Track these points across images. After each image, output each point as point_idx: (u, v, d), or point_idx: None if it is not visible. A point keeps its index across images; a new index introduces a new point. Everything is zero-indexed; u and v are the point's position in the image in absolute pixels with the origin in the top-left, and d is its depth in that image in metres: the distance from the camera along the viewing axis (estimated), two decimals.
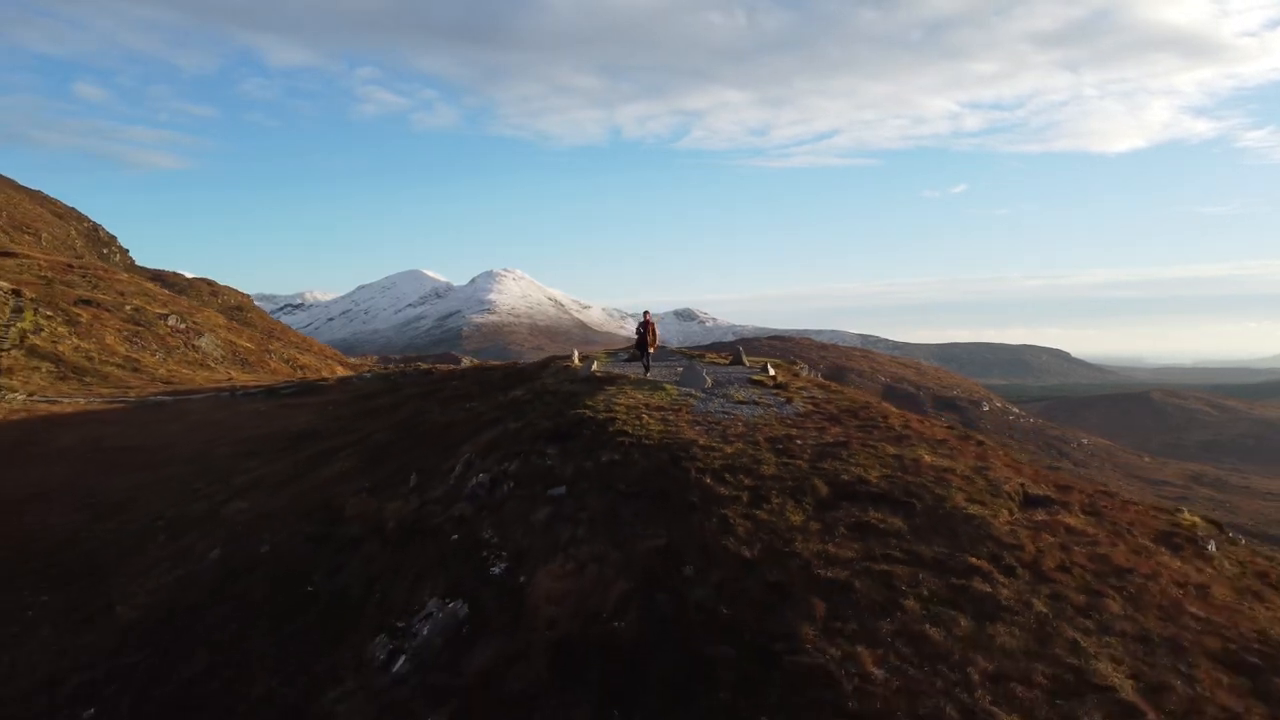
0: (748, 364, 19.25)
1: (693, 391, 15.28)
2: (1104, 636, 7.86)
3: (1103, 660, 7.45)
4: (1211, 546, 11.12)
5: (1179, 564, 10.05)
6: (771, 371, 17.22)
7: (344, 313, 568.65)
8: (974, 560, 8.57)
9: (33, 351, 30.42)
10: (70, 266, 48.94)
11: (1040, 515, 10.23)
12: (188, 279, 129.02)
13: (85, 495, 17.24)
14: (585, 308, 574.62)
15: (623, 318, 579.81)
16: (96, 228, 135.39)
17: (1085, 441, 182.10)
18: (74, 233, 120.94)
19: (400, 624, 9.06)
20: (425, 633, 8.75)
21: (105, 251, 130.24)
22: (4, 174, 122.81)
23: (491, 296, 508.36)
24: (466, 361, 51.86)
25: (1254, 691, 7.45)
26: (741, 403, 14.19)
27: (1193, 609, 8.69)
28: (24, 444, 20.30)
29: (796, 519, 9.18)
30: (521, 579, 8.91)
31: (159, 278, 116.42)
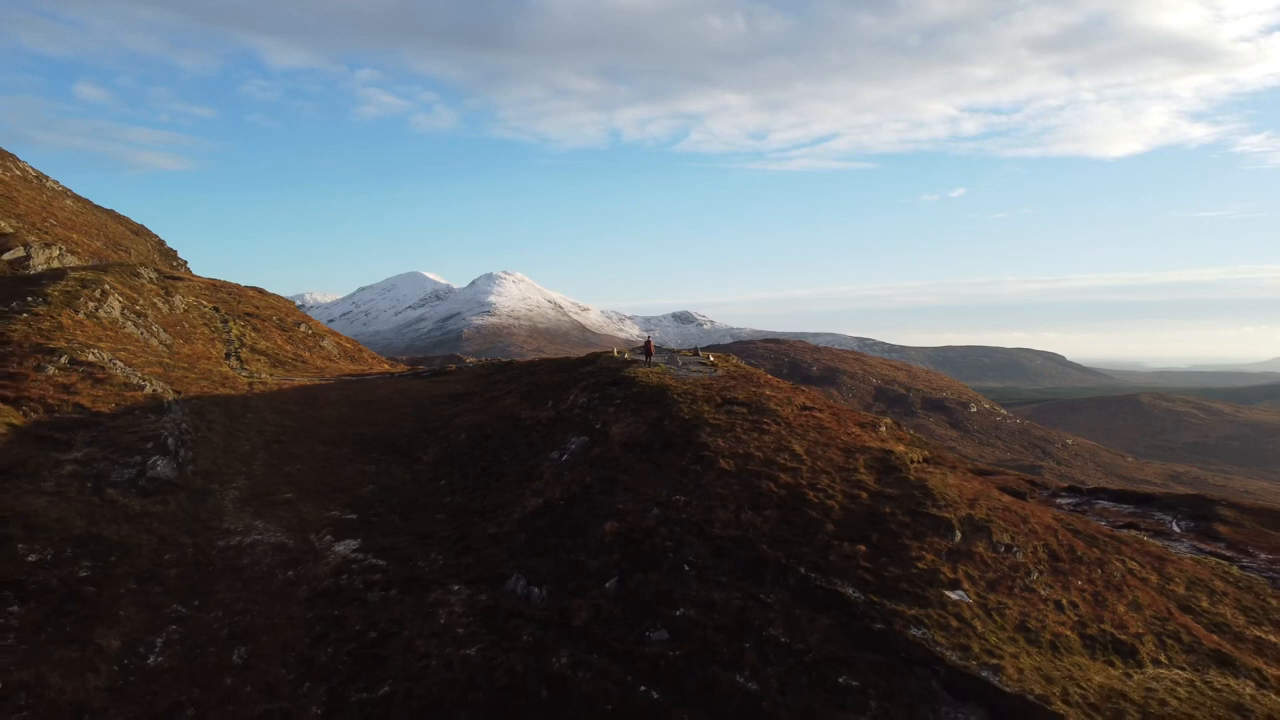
0: (701, 355, 35.49)
1: (672, 368, 31.41)
2: (802, 441, 23.64)
3: (795, 444, 23.27)
4: (882, 429, 26.89)
5: (857, 430, 25.86)
6: (712, 359, 33.74)
7: (344, 314, 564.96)
8: (767, 420, 24.47)
9: (251, 349, 46.13)
10: (217, 286, 64.84)
11: (805, 412, 26.09)
12: (240, 286, 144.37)
13: (365, 422, 32.90)
14: (584, 310, 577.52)
15: (621, 320, 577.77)
16: (162, 242, 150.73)
17: (1070, 442, 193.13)
18: (149, 248, 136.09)
19: (561, 445, 24.94)
20: (572, 447, 24.60)
21: (174, 264, 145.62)
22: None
23: (491, 299, 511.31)
24: (470, 361, 67.07)
25: (846, 456, 23.21)
26: (694, 371, 30.45)
27: (844, 438, 24.48)
28: (309, 400, 35.90)
29: (706, 409, 25.08)
30: (608, 429, 24.82)
31: (217, 286, 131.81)
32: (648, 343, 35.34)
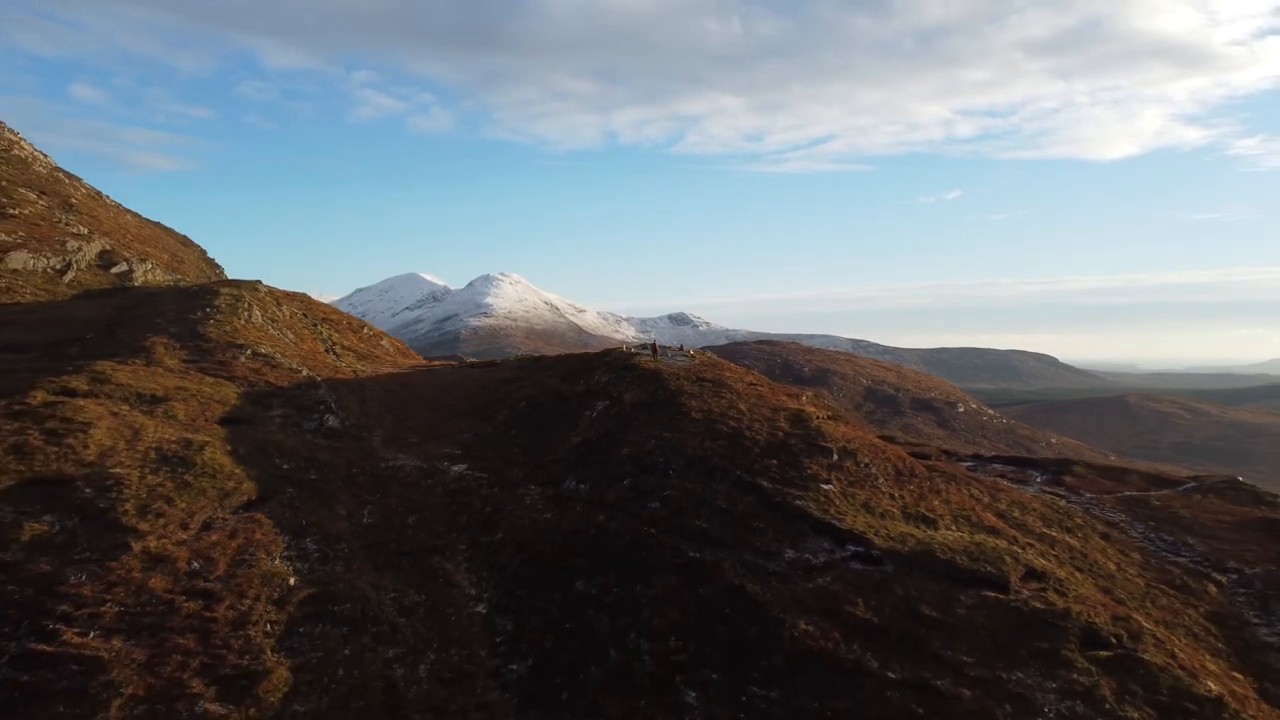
0: (685, 351, 49.09)
1: (664, 359, 44.92)
2: (746, 403, 36.91)
3: (740, 405, 36.58)
4: (804, 398, 40.15)
5: (785, 398, 39.19)
6: (692, 353, 47.35)
7: None
8: (724, 390, 38.02)
9: (340, 346, 59.35)
10: (291, 297, 78.14)
11: (751, 386, 39.50)
12: (307, 296, 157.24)
13: (449, 397, 46.03)
14: (580, 311, 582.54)
15: (617, 321, 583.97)
16: (204, 252, 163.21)
17: (1054, 441, 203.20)
18: (197, 257, 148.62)
19: (591, 407, 38.27)
20: (599, 408, 37.94)
21: (216, 271, 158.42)
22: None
23: (489, 300, 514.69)
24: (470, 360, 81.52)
25: (773, 412, 36.48)
26: (680, 361, 44.06)
27: (774, 402, 37.77)
28: (402, 384, 49.01)
29: (686, 383, 38.55)
30: (622, 396, 38.23)
31: (291, 296, 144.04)
32: (654, 343, 48.97)
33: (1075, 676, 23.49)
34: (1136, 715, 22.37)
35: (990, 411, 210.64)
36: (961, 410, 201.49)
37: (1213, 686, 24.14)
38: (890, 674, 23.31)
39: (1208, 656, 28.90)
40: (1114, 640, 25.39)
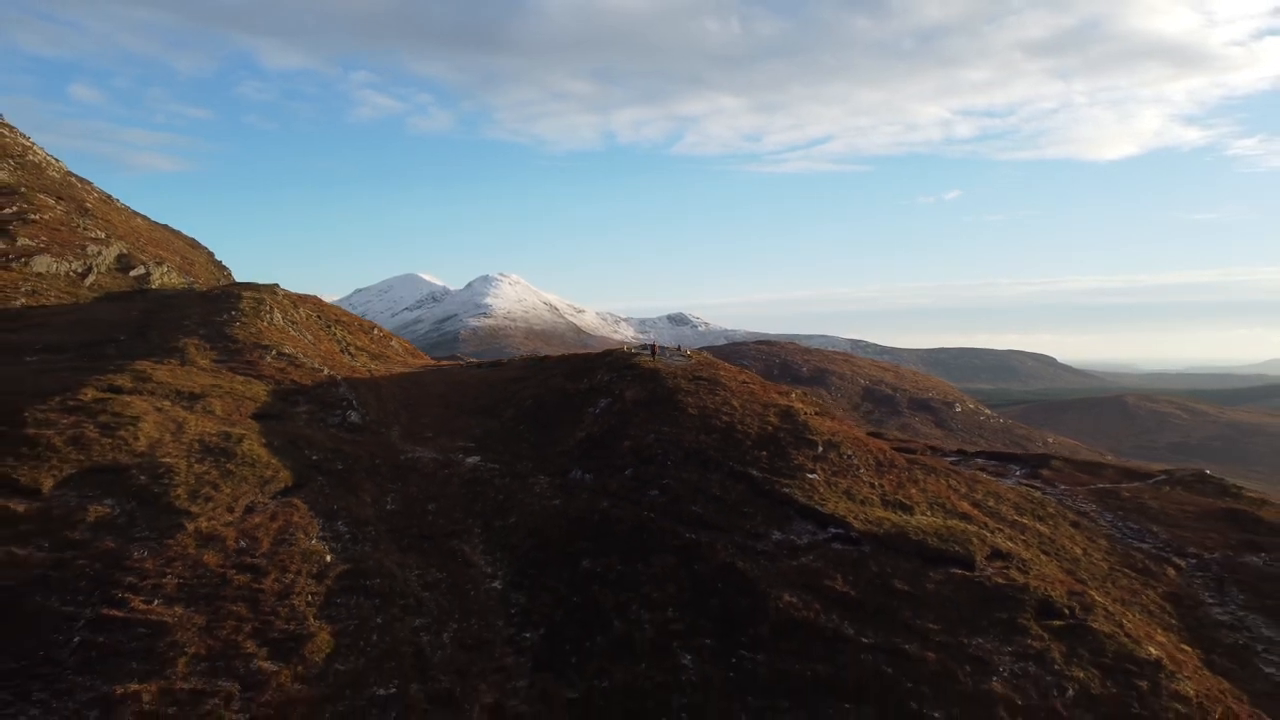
0: (683, 351, 52.07)
1: (663, 358, 47.85)
2: (739, 400, 39.77)
3: (734, 401, 39.42)
4: (793, 395, 42.97)
5: (776, 395, 42.04)
6: (689, 353, 50.30)
7: None
8: (719, 388, 40.91)
9: (354, 346, 62.18)
10: (304, 299, 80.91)
11: (743, 384, 42.38)
12: (319, 299, 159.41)
13: (459, 395, 48.90)
14: (580, 311, 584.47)
15: (616, 321, 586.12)
16: (211, 254, 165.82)
17: (1051, 441, 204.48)
18: (205, 259, 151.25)
19: (594, 404, 41.14)
20: (602, 405, 40.82)
21: (223, 272, 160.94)
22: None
23: (488, 300, 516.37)
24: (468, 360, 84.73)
25: (763, 408, 39.34)
26: (677, 361, 47.03)
27: (765, 399, 40.63)
28: (415, 383, 51.85)
29: (683, 381, 41.43)
30: (623, 394, 41.10)
31: (304, 299, 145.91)
32: (653, 344, 52.03)
33: (1029, 642, 26.31)
34: (1082, 674, 25.20)
35: (988, 411, 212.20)
36: (959, 410, 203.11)
37: (1153, 651, 26.95)
38: (864, 640, 26.12)
39: (1159, 630, 31.76)
40: (1067, 611, 28.21)
